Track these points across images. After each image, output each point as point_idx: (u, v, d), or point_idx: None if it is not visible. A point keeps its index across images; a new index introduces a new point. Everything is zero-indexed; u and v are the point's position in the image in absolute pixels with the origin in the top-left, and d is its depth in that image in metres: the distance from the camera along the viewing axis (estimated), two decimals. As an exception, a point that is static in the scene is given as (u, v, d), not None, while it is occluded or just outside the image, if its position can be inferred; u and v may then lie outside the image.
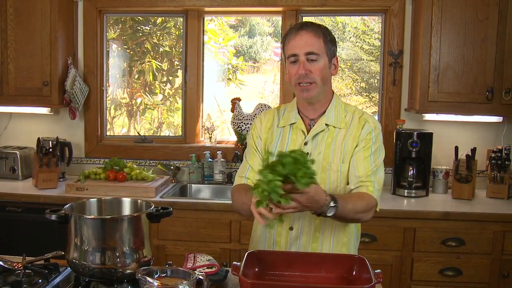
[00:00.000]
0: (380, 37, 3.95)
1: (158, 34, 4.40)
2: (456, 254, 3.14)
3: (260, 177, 1.65)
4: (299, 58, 2.01)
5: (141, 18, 4.38)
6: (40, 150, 3.64)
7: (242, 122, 3.85)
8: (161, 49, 4.41)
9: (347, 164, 2.05)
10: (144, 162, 4.02)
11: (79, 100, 3.87)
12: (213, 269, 1.84)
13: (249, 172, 2.15)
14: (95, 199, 1.97)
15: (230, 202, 2.24)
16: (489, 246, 3.12)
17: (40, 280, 1.80)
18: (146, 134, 4.30)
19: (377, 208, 2.06)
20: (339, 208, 1.83)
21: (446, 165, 3.66)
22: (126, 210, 1.96)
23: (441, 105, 3.42)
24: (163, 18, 4.35)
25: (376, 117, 3.94)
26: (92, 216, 1.84)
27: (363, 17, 4.15)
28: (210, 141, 4.04)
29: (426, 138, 3.53)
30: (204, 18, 4.07)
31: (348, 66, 4.18)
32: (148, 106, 4.49)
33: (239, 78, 4.50)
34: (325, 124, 2.08)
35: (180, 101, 4.25)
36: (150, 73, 4.38)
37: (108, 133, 4.23)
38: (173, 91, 4.43)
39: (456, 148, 3.54)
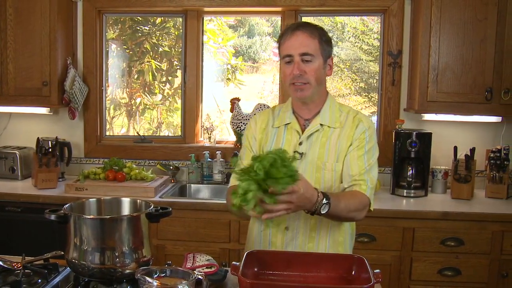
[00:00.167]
0: (379, 37, 3.95)
1: (158, 34, 4.41)
2: (455, 254, 3.14)
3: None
4: (294, 58, 2.02)
5: (140, 18, 4.38)
6: (39, 150, 3.64)
7: (241, 122, 3.86)
8: (160, 49, 4.41)
9: (341, 163, 2.07)
10: (144, 162, 4.02)
11: (78, 100, 3.87)
12: (212, 269, 1.85)
13: None
14: (94, 199, 1.97)
15: (230, 202, 2.24)
16: (488, 246, 3.13)
17: (39, 280, 1.80)
18: (146, 134, 4.30)
19: (371, 207, 2.07)
20: (332, 206, 1.84)
21: (445, 165, 3.67)
22: (126, 210, 1.96)
23: (440, 105, 3.42)
24: (162, 18, 4.35)
25: (375, 117, 3.95)
26: (91, 216, 1.84)
27: (362, 17, 4.16)
28: (210, 141, 4.04)
29: (425, 138, 3.54)
30: (203, 18, 4.07)
31: (347, 66, 4.19)
32: (147, 106, 4.50)
33: (238, 78, 4.50)
34: (320, 124, 2.10)
35: (179, 101, 4.25)
36: (150, 73, 4.38)
37: (107, 133, 4.23)
38: (172, 91, 4.44)
39: (455, 148, 3.55)
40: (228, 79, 4.50)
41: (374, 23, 4.14)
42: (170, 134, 4.43)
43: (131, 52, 4.40)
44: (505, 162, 3.47)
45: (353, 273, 1.78)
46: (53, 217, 1.76)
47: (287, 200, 1.71)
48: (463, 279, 3.14)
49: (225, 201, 3.30)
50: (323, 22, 4.22)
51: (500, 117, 3.53)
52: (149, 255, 1.80)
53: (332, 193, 1.96)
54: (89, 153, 4.09)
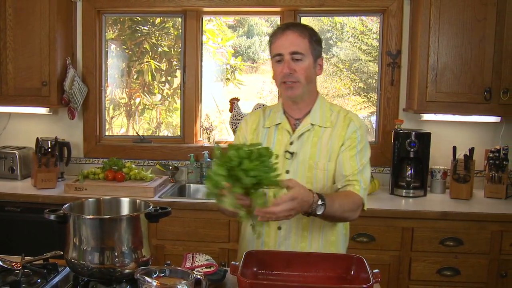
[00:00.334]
0: (378, 37, 3.95)
1: (157, 34, 4.41)
2: (454, 254, 3.15)
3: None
4: (284, 57, 2.04)
5: (139, 18, 4.38)
6: (39, 150, 3.64)
7: (240, 122, 3.85)
8: (159, 49, 4.41)
9: (333, 162, 2.08)
10: (143, 162, 4.02)
11: (77, 100, 3.87)
12: (212, 269, 1.85)
13: None
14: (93, 199, 1.97)
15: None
16: (487, 246, 3.13)
17: (39, 280, 1.80)
18: (145, 134, 4.30)
19: (364, 207, 2.08)
20: (327, 206, 1.86)
21: (444, 165, 3.67)
22: (125, 210, 1.96)
23: (439, 105, 3.42)
24: (161, 18, 4.36)
25: (374, 117, 3.96)
26: (90, 216, 1.84)
27: (361, 17, 4.16)
28: (209, 141, 4.04)
29: (424, 138, 3.54)
30: (202, 18, 4.07)
31: (346, 66, 4.19)
32: (146, 106, 4.50)
33: (237, 78, 4.50)
34: (311, 123, 2.11)
35: (178, 101, 4.25)
36: (149, 73, 4.39)
37: (106, 133, 4.24)
38: (171, 91, 4.44)
39: (454, 148, 3.55)
40: (228, 79, 4.50)
41: (373, 23, 4.14)
42: (169, 134, 4.43)
43: (130, 52, 4.40)
44: (504, 162, 3.48)
45: (352, 273, 1.78)
46: (52, 217, 1.76)
47: (291, 206, 1.73)
48: (462, 279, 3.14)
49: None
50: (322, 22, 4.23)
51: (499, 117, 3.53)
52: (149, 255, 1.80)
53: (327, 193, 1.97)
54: (89, 153, 4.10)
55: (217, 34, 4.49)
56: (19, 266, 1.84)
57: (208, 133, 4.05)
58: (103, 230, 1.71)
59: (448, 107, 3.42)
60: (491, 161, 3.51)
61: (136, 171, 3.65)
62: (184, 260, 1.91)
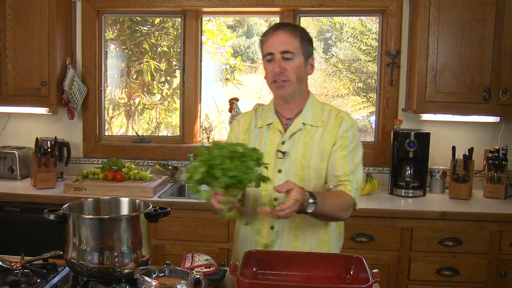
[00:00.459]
0: (377, 37, 3.95)
1: (156, 35, 4.41)
2: (453, 253, 3.15)
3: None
4: (275, 56, 2.06)
5: (139, 19, 4.38)
6: (38, 150, 3.64)
7: (240, 122, 3.85)
8: (159, 49, 4.41)
9: (325, 161, 2.09)
10: (142, 162, 4.02)
11: (77, 100, 3.87)
12: (211, 269, 1.85)
13: None
14: (93, 199, 1.98)
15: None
16: (486, 246, 3.13)
17: (38, 280, 1.80)
18: (144, 134, 4.30)
19: (356, 207, 2.09)
20: (318, 205, 1.86)
21: (444, 165, 3.67)
22: (124, 210, 1.97)
23: (438, 105, 3.43)
24: (161, 18, 4.36)
25: (374, 117, 3.96)
26: (90, 216, 1.84)
27: (361, 17, 4.16)
28: (208, 141, 4.04)
29: (423, 138, 3.54)
30: (202, 18, 4.07)
31: (345, 67, 4.19)
32: (146, 106, 4.50)
33: (237, 78, 4.50)
34: (302, 123, 2.12)
35: (178, 101, 4.25)
36: (148, 73, 4.39)
37: (106, 133, 4.24)
38: (171, 91, 4.44)
39: (454, 148, 3.55)
40: (227, 79, 4.50)
41: (372, 23, 4.14)
42: (168, 134, 4.44)
43: (130, 52, 4.40)
44: (503, 162, 3.48)
45: (351, 273, 1.78)
46: (52, 217, 1.76)
47: (293, 210, 1.77)
48: (461, 279, 3.15)
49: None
50: (322, 22, 4.23)
51: (498, 117, 3.54)
52: (148, 255, 1.81)
53: (319, 192, 1.98)
54: (88, 153, 4.10)
55: (216, 34, 4.49)
56: (19, 266, 1.84)
57: (208, 133, 4.05)
58: (102, 230, 1.72)
59: (447, 107, 3.43)
60: (490, 161, 3.51)
61: (136, 171, 3.65)
62: (184, 260, 1.91)
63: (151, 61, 4.38)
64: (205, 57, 4.18)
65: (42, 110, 3.98)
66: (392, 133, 3.61)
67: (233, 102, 3.93)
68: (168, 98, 4.47)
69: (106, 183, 3.52)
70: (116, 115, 4.50)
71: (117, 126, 4.52)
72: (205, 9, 3.97)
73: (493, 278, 3.14)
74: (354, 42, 4.16)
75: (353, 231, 3.20)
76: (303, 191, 1.82)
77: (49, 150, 3.72)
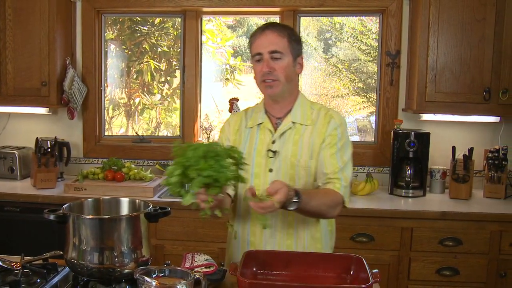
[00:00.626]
0: (377, 37, 3.95)
1: (156, 35, 4.41)
2: (453, 253, 3.15)
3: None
4: (263, 56, 2.07)
5: (139, 19, 4.38)
6: (38, 150, 3.64)
7: (240, 122, 3.85)
8: (159, 49, 4.41)
9: (315, 159, 2.10)
10: (142, 162, 4.02)
11: (77, 100, 3.87)
12: (211, 269, 1.85)
13: None
14: (93, 199, 1.98)
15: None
16: (486, 246, 3.13)
17: (38, 280, 1.80)
18: (144, 134, 4.30)
19: (346, 204, 2.09)
20: (302, 204, 1.86)
21: (444, 165, 3.67)
22: (124, 210, 1.97)
23: (438, 105, 3.43)
24: (161, 18, 4.36)
25: (374, 117, 3.96)
26: (90, 216, 1.85)
27: (361, 17, 4.16)
28: (208, 141, 4.04)
29: (423, 138, 3.54)
30: (202, 18, 4.07)
31: (345, 67, 4.19)
32: (146, 106, 4.50)
33: (237, 78, 4.50)
34: (292, 122, 2.14)
35: (178, 101, 4.25)
36: (148, 73, 4.39)
37: (106, 133, 4.24)
38: (171, 91, 4.44)
39: (454, 148, 3.55)
40: (227, 79, 4.50)
41: (372, 23, 4.14)
42: (168, 134, 4.44)
43: (130, 52, 4.40)
44: (503, 162, 3.48)
45: (351, 273, 1.79)
46: (52, 217, 1.76)
47: (272, 211, 1.77)
48: (461, 279, 3.15)
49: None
50: (322, 22, 4.23)
51: (498, 117, 3.54)
52: (148, 255, 1.81)
53: (305, 190, 1.98)
54: (88, 153, 4.10)
55: (216, 34, 4.49)
56: (19, 266, 1.84)
57: (208, 133, 4.05)
58: (102, 230, 1.72)
59: (447, 107, 3.43)
60: (490, 161, 3.51)
61: (136, 171, 3.65)
62: (184, 260, 1.91)
63: (151, 61, 4.38)
64: (205, 57, 4.18)
65: (42, 110, 3.98)
66: (392, 133, 3.61)
67: (233, 102, 3.93)
68: (168, 98, 4.47)
69: (106, 183, 3.52)
70: (116, 115, 4.50)
71: (117, 126, 4.52)
72: (205, 9, 3.97)
73: (493, 278, 3.14)
74: (354, 42, 4.16)
75: (353, 231, 3.20)
76: (289, 190, 1.81)
77: (49, 150, 3.72)
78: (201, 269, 1.83)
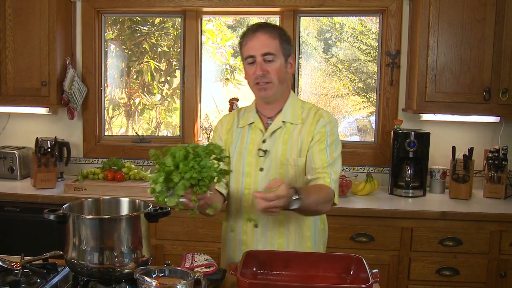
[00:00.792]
0: (377, 37, 3.95)
1: (156, 35, 4.41)
2: (453, 253, 3.15)
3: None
4: (256, 59, 2.07)
5: (139, 19, 4.38)
6: (38, 150, 3.65)
7: (240, 122, 3.85)
8: (159, 49, 4.41)
9: (304, 158, 2.11)
10: (142, 162, 4.02)
11: (77, 100, 3.87)
12: (211, 269, 1.85)
13: None
14: (93, 199, 1.98)
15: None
16: (486, 245, 3.13)
17: (38, 280, 1.80)
18: (144, 134, 4.30)
19: (335, 200, 2.09)
20: (303, 200, 1.85)
21: (444, 165, 3.67)
22: (124, 210, 1.97)
23: (438, 105, 3.43)
24: (161, 18, 4.35)
25: (374, 117, 3.96)
26: (90, 216, 1.85)
27: (361, 17, 4.16)
28: (208, 141, 4.04)
29: (423, 138, 3.54)
30: (202, 18, 4.07)
31: (345, 67, 4.19)
32: (146, 106, 4.50)
33: (237, 78, 4.50)
34: (282, 121, 2.15)
35: (178, 101, 4.25)
36: (148, 73, 4.39)
37: (106, 133, 4.24)
38: (171, 91, 4.44)
39: (454, 148, 3.55)
40: (227, 79, 4.50)
41: (372, 23, 4.14)
42: (169, 134, 4.44)
43: (130, 52, 4.40)
44: (503, 162, 3.48)
45: (351, 272, 1.79)
46: (52, 217, 1.76)
47: (277, 205, 1.75)
48: (461, 279, 3.15)
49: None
50: (322, 22, 4.23)
51: (498, 117, 3.54)
52: (148, 255, 1.81)
53: (302, 188, 1.98)
54: (88, 153, 4.10)
55: (216, 34, 4.49)
56: (19, 266, 1.84)
57: (208, 133, 4.05)
58: (102, 230, 1.72)
59: (447, 107, 3.43)
60: (490, 161, 3.51)
61: (136, 171, 3.65)
62: (184, 260, 1.91)
63: (151, 61, 4.38)
64: (205, 57, 4.18)
65: (42, 110, 3.98)
66: (392, 133, 3.61)
67: (233, 102, 3.93)
68: (168, 98, 4.47)
69: (106, 183, 3.52)
70: (116, 115, 4.50)
71: (117, 126, 4.52)
72: (205, 9, 3.97)
73: (493, 278, 3.14)
74: (354, 42, 4.16)
75: (353, 231, 3.20)
76: (289, 187, 1.81)
77: (49, 150, 3.72)
78: (201, 269, 1.83)
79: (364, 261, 1.76)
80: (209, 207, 1.85)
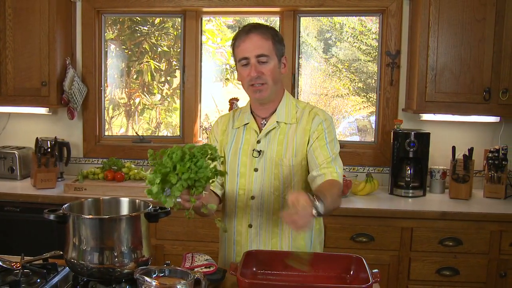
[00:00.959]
0: (377, 37, 3.95)
1: (156, 35, 4.41)
2: (453, 253, 3.15)
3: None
4: (250, 60, 2.07)
5: (139, 19, 4.38)
6: (38, 150, 3.65)
7: (240, 122, 3.85)
8: (159, 49, 4.41)
9: (299, 157, 2.10)
10: (142, 162, 4.01)
11: (77, 100, 3.87)
12: (211, 269, 1.85)
13: None
14: (93, 199, 1.98)
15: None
16: (486, 245, 3.13)
17: (38, 280, 1.80)
18: (144, 134, 4.30)
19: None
20: (325, 204, 1.78)
21: (444, 165, 3.67)
22: (124, 210, 1.97)
23: (438, 105, 3.43)
24: (161, 18, 4.35)
25: (374, 117, 3.96)
26: (90, 216, 1.85)
27: (361, 17, 4.16)
28: (208, 141, 4.03)
29: (423, 138, 3.54)
30: (202, 18, 4.07)
31: (345, 67, 4.19)
32: (146, 106, 4.50)
33: (237, 78, 4.50)
34: (276, 121, 2.15)
35: (178, 101, 4.25)
36: (148, 73, 4.39)
37: (106, 133, 4.24)
38: (171, 91, 4.44)
39: (454, 148, 3.55)
40: (227, 79, 4.50)
41: (372, 23, 4.14)
42: (168, 134, 4.44)
43: (130, 52, 4.40)
44: (503, 162, 3.48)
45: (351, 273, 1.79)
46: (52, 217, 1.76)
47: (292, 220, 1.69)
48: (461, 279, 3.15)
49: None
50: (322, 22, 4.23)
51: (498, 117, 3.54)
52: (148, 255, 1.81)
53: (316, 191, 1.95)
54: (88, 153, 4.10)
55: (216, 34, 4.49)
56: (19, 266, 1.84)
57: (208, 133, 4.05)
58: (102, 230, 1.72)
59: (447, 107, 3.43)
60: (490, 161, 3.51)
61: (136, 171, 3.65)
62: (184, 260, 1.91)
63: (151, 61, 4.38)
64: (205, 57, 4.18)
65: (42, 110, 3.98)
66: (392, 133, 3.61)
67: (233, 102, 3.93)
68: (168, 98, 4.47)
69: (106, 183, 3.52)
70: (116, 115, 4.50)
71: (117, 126, 4.52)
72: (205, 9, 3.97)
73: (493, 278, 3.14)
74: (354, 42, 4.16)
75: (353, 231, 3.20)
76: (307, 195, 1.76)
77: (49, 150, 3.72)
78: (201, 269, 1.83)
79: (364, 261, 1.76)
80: (204, 207, 1.85)
